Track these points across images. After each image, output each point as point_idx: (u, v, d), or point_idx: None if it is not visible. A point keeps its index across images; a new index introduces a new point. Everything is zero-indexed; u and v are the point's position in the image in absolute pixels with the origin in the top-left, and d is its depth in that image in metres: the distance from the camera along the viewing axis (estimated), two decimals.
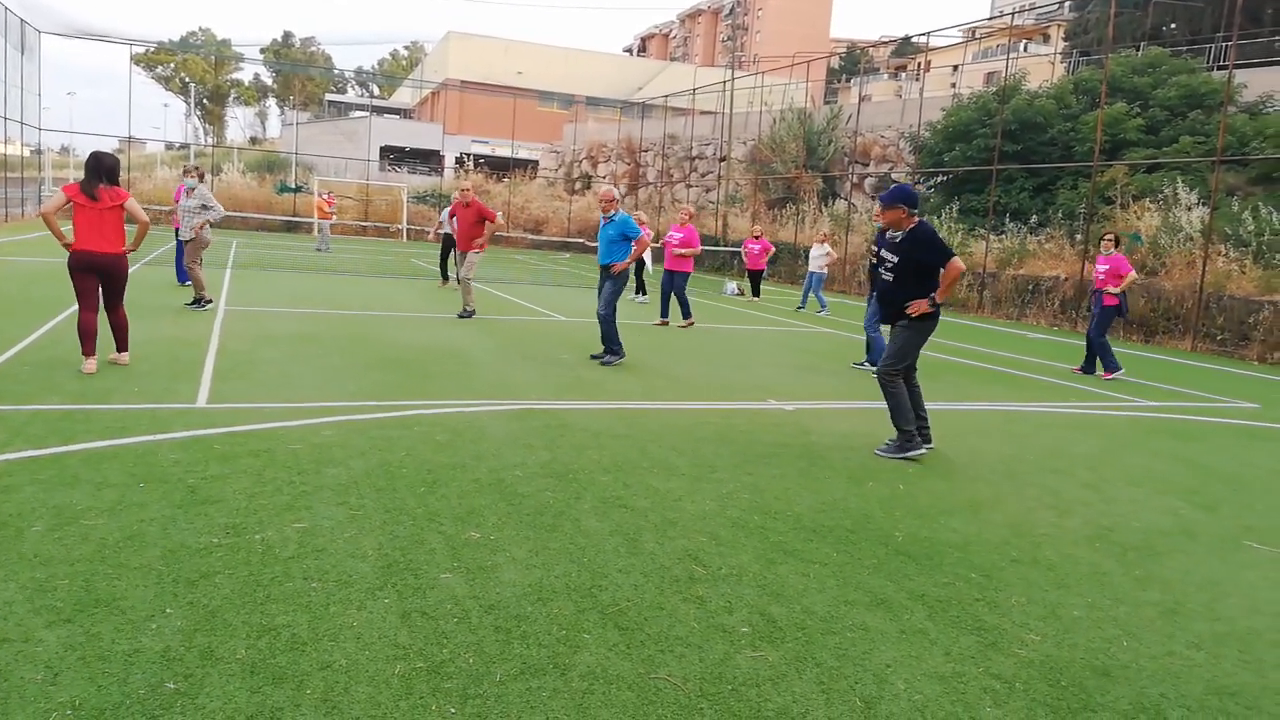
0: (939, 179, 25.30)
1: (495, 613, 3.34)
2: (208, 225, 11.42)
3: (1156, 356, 14.25)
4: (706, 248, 29.41)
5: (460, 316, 12.43)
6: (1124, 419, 8.54)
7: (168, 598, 3.26)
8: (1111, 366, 10.99)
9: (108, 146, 55.73)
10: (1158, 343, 16.16)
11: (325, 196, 27.82)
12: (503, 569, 3.76)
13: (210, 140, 79.78)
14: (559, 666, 2.98)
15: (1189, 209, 17.90)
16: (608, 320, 9.49)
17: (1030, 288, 19.32)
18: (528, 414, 6.78)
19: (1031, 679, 3.15)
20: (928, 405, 6.30)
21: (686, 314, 13.81)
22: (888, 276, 6.39)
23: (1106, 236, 11.36)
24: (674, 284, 13.98)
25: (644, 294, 17.74)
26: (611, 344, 9.53)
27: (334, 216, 27.30)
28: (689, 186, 38.34)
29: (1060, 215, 20.84)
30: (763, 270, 20.60)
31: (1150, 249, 17.78)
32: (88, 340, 7.10)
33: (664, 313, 14.02)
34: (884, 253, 6.43)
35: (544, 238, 38.35)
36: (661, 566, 3.92)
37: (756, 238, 20.47)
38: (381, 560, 3.75)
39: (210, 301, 11.52)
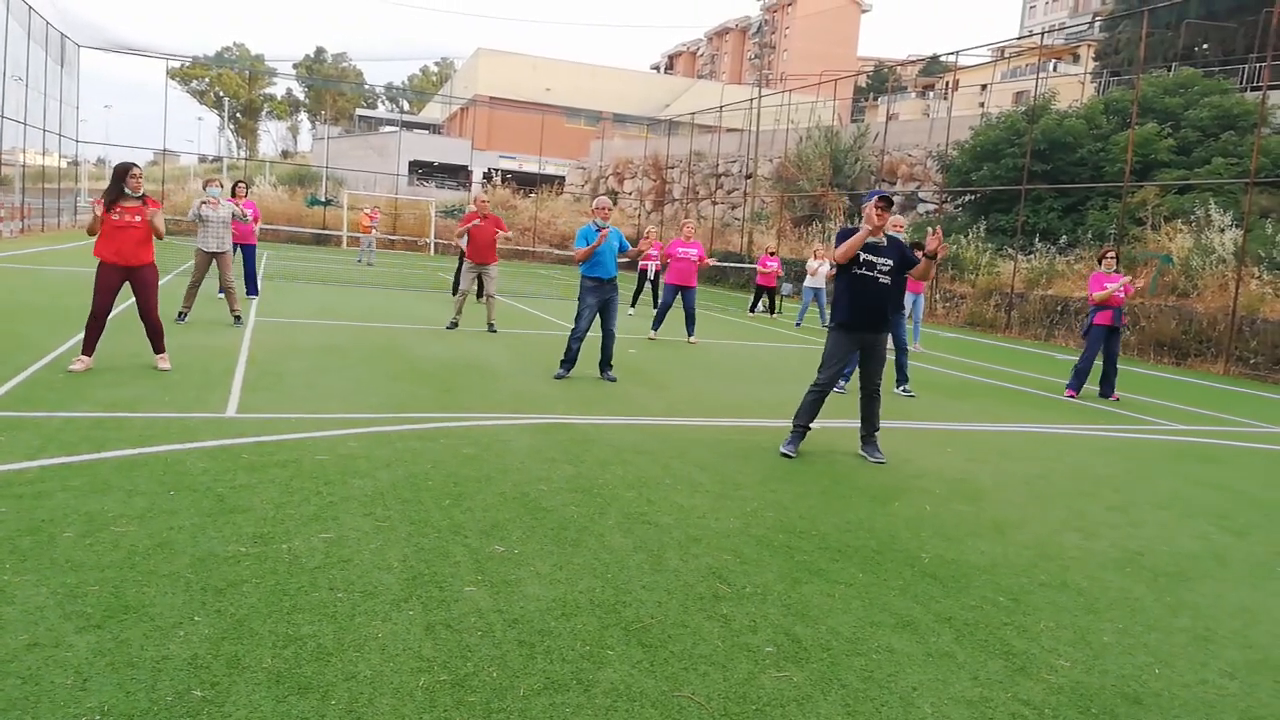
0: (967, 198, 25.19)
1: (519, 627, 3.34)
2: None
3: (1188, 380, 14.06)
4: (731, 264, 29.55)
5: (491, 330, 12.60)
6: (1152, 442, 8.43)
7: (196, 605, 3.29)
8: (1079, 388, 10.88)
9: (142, 159, 56.50)
10: (1189, 366, 15.95)
11: (368, 211, 28.28)
12: (527, 583, 3.76)
13: (243, 154, 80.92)
14: (582, 683, 2.98)
15: (1221, 231, 17.70)
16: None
17: (1059, 308, 19.15)
18: (552, 428, 6.79)
19: (1061, 705, 3.10)
20: (955, 425, 6.27)
21: (676, 328, 13.91)
22: (885, 280, 6.49)
23: (1110, 254, 10.85)
24: (687, 299, 13.82)
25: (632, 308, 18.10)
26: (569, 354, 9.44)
27: (374, 231, 27.78)
28: (715, 203, 38.36)
29: (1090, 236, 20.67)
30: (776, 287, 20.62)
31: (1182, 271, 17.59)
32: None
33: (657, 326, 13.92)
34: (874, 257, 6.49)
35: (569, 252, 38.50)
36: (685, 584, 3.91)
37: (772, 254, 20.55)
38: (407, 572, 3.76)
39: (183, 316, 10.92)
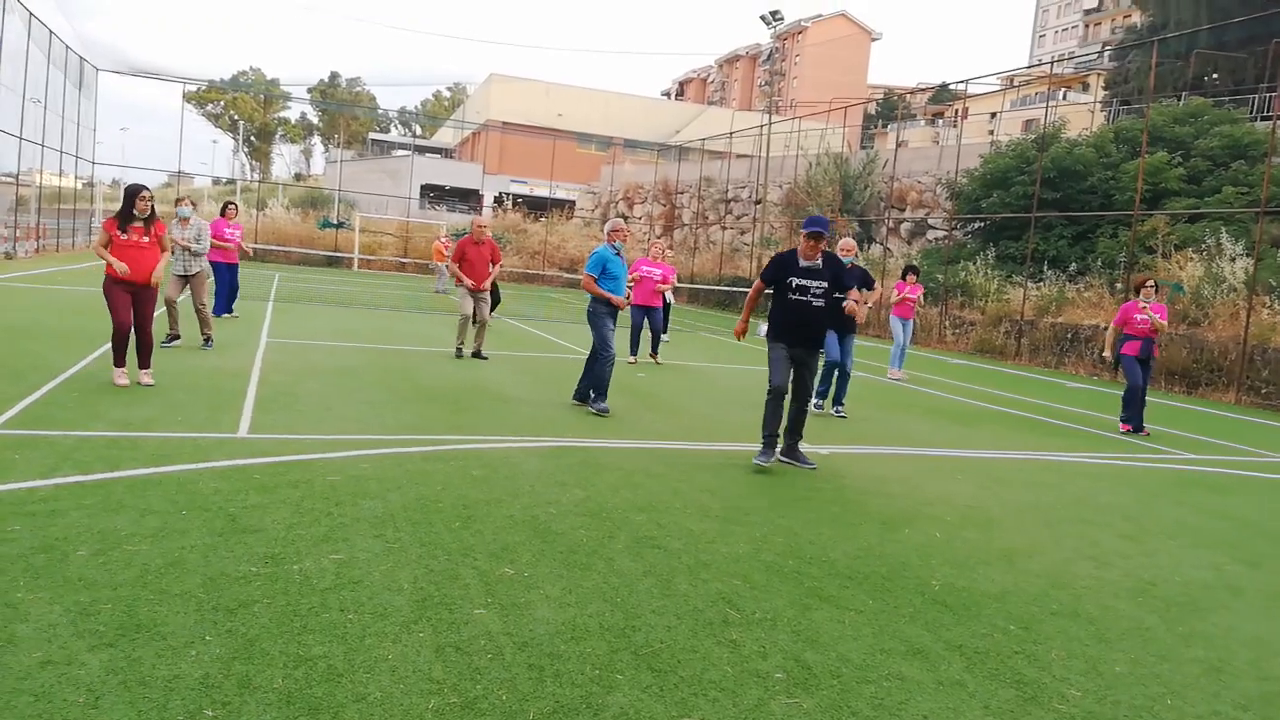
0: (976, 225, 25.23)
1: (529, 650, 3.34)
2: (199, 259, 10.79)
3: (1199, 409, 14.00)
4: (741, 289, 29.57)
5: (475, 355, 12.09)
6: (1163, 471, 8.38)
7: (207, 625, 3.30)
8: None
9: (157, 181, 57.06)
10: (1200, 394, 15.87)
11: (443, 239, 28.57)
12: (536, 606, 3.76)
13: (256, 176, 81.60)
14: (592, 707, 2.97)
15: (1232, 260, 17.68)
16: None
17: (1069, 336, 19.11)
18: (562, 451, 6.80)
19: None
20: (966, 452, 6.26)
21: (655, 348, 13.71)
22: (819, 303, 6.87)
23: (1149, 283, 10.61)
24: (652, 320, 13.46)
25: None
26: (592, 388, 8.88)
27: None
28: (724, 229, 38.51)
29: (1100, 264, 20.66)
30: None
31: (1193, 299, 17.56)
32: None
33: (633, 350, 13.51)
34: (807, 281, 6.83)
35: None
36: (695, 609, 3.90)
37: None
38: (417, 594, 3.77)
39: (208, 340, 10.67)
